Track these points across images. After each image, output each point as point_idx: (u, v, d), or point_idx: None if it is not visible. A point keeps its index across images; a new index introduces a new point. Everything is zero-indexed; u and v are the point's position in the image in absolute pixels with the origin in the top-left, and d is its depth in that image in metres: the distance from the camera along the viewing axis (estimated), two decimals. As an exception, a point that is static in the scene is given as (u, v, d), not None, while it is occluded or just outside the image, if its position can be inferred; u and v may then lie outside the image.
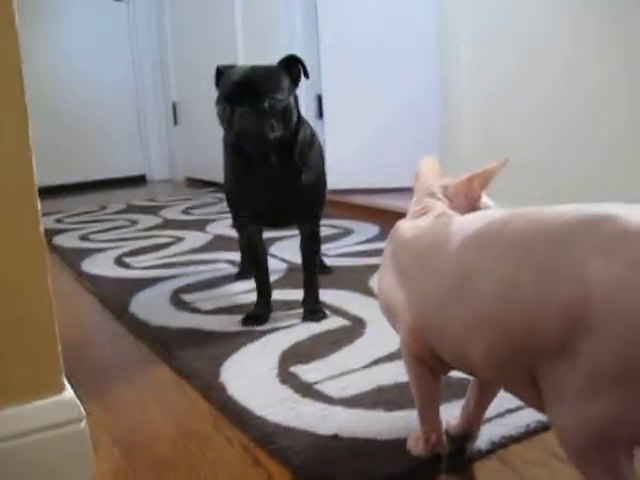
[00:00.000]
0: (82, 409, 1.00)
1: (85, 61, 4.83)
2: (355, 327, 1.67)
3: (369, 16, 3.31)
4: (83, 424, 0.99)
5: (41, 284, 0.94)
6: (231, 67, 1.71)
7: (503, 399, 1.18)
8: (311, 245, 1.80)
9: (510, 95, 2.35)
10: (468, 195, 1.09)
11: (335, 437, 1.15)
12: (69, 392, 1.00)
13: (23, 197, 0.93)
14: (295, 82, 1.69)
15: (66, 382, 1.01)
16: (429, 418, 1.06)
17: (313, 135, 1.78)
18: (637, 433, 0.71)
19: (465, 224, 0.89)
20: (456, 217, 0.97)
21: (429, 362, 1.00)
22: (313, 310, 1.74)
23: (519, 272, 0.76)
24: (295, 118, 1.67)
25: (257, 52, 3.89)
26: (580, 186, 2.09)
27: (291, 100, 1.65)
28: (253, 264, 1.81)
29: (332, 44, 3.42)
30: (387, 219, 2.89)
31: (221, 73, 1.71)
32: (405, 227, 1.05)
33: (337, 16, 3.41)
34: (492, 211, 0.90)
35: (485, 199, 1.10)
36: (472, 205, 1.09)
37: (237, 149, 1.70)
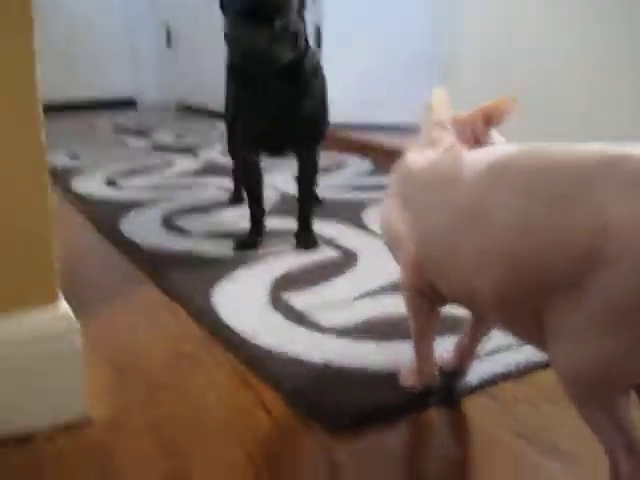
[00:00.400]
0: (76, 321, 0.99)
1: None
2: (347, 259, 1.66)
3: None
4: (78, 337, 0.99)
5: (40, 197, 0.93)
6: None
7: (495, 336, 1.20)
8: (308, 174, 1.78)
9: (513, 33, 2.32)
10: (473, 131, 1.07)
11: (326, 366, 1.15)
12: (64, 304, 0.99)
13: (26, 108, 0.90)
14: (303, 4, 1.64)
15: (60, 294, 1.00)
16: (424, 351, 1.06)
17: (318, 62, 1.73)
18: (638, 375, 0.72)
19: (478, 156, 0.88)
20: (467, 151, 0.96)
21: (428, 294, 1.00)
22: (306, 239, 1.74)
23: (535, 205, 0.74)
24: (303, 43, 1.63)
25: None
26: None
27: (301, 24, 1.61)
28: (248, 188, 1.79)
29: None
30: (380, 155, 2.88)
31: None
32: (413, 158, 1.04)
33: None
34: (506, 146, 0.88)
35: (496, 136, 1.08)
36: (478, 141, 1.07)
37: (239, 70, 1.65)
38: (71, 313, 0.98)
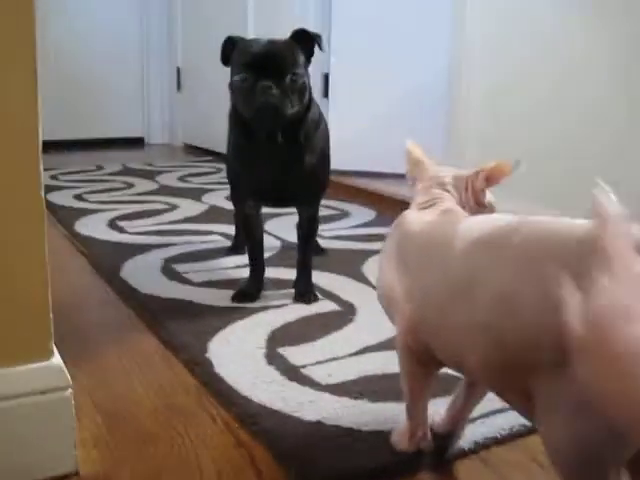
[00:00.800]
0: (68, 376, 1.00)
1: (92, 17, 4.77)
2: (345, 313, 1.66)
3: (381, 6, 3.26)
4: (69, 392, 0.99)
5: (37, 249, 0.93)
6: (244, 39, 1.67)
7: (489, 400, 1.19)
8: (309, 228, 1.79)
9: (517, 88, 2.34)
10: (472, 189, 1.08)
11: (319, 424, 1.15)
12: (57, 358, 0.99)
13: (27, 160, 0.91)
14: (308, 58, 1.66)
15: (54, 348, 1.00)
16: (417, 413, 1.06)
17: (320, 115, 1.75)
18: (628, 452, 0.71)
19: (473, 226, 0.88)
20: (464, 216, 0.96)
21: (422, 357, 0.99)
22: (305, 292, 1.74)
23: (520, 286, 0.75)
24: (307, 96, 1.65)
25: (268, 25, 3.85)
26: (582, 178, 2.08)
27: (306, 77, 1.63)
28: (249, 240, 1.80)
29: (344, 23, 3.38)
30: (385, 205, 2.89)
31: (232, 43, 1.66)
32: (411, 218, 1.04)
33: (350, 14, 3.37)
34: (501, 216, 0.89)
35: (488, 196, 1.09)
36: (477, 200, 1.08)
37: (243, 123, 1.67)
38: (64, 368, 0.98)
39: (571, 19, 2.13)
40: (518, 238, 0.79)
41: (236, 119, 1.70)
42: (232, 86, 1.62)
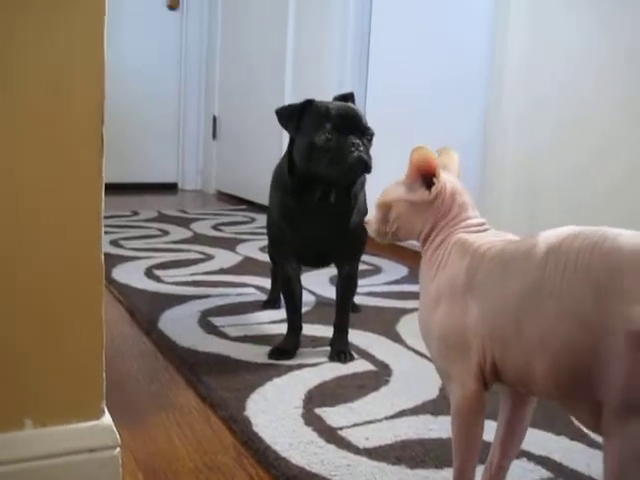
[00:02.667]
0: (118, 435, 1.02)
1: (134, 65, 4.90)
2: (381, 373, 1.67)
3: (416, 74, 3.30)
4: (117, 451, 1.01)
5: (95, 312, 0.97)
6: (318, 102, 1.68)
7: (526, 471, 1.20)
8: (349, 286, 1.81)
9: (551, 154, 2.36)
10: None
11: (358, 490, 1.16)
12: (107, 418, 1.02)
13: (90, 224, 0.95)
14: None
15: (105, 408, 1.02)
16: (467, 475, 1.05)
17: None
18: None
19: (548, 237, 0.90)
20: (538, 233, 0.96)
21: (489, 379, 0.99)
22: (341, 351, 1.75)
23: (586, 296, 0.81)
24: None
25: (306, 76, 3.93)
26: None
27: None
28: (288, 300, 1.83)
29: (380, 86, 3.43)
30: (417, 260, 2.89)
31: (304, 107, 1.68)
32: (480, 242, 1.02)
33: (387, 64, 3.42)
34: (567, 229, 0.90)
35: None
36: None
37: (295, 183, 1.70)
38: (114, 428, 1.01)
39: (606, 94, 2.16)
40: (584, 253, 0.84)
41: (287, 180, 1.72)
42: (311, 145, 1.62)
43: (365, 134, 1.63)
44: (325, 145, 1.60)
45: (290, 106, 1.73)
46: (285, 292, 1.86)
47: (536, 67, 2.42)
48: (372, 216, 1.16)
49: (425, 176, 1.08)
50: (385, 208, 1.13)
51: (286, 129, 1.72)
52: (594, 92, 2.21)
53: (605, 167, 2.18)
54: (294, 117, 1.67)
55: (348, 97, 1.78)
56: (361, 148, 1.60)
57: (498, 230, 1.09)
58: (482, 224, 1.08)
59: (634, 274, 0.77)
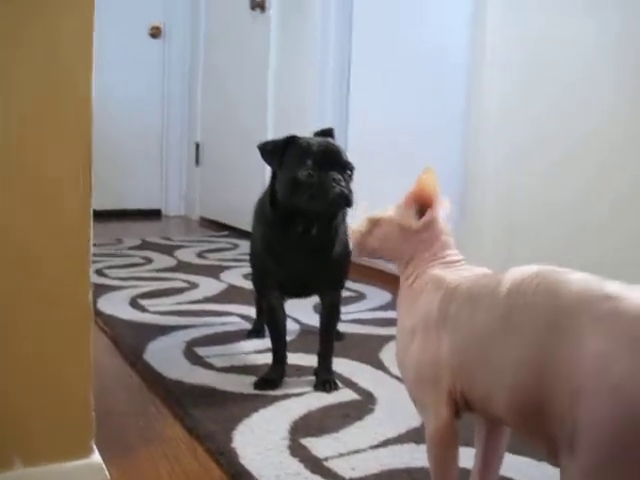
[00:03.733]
0: (107, 473, 1.04)
1: (117, 93, 4.91)
2: (365, 402, 1.69)
3: (397, 107, 3.34)
4: (107, 488, 1.03)
5: (84, 355, 0.99)
6: (299, 137, 1.71)
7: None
8: (332, 315, 1.84)
9: (533, 152, 2.39)
10: None
11: (344, 521, 1.18)
12: (96, 456, 1.03)
13: (79, 268, 0.97)
14: None
15: (94, 446, 1.04)
16: None
17: None
18: None
19: (510, 276, 0.94)
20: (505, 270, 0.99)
21: (459, 403, 1.02)
22: (326, 380, 1.77)
23: (534, 338, 0.85)
24: None
25: (288, 104, 3.97)
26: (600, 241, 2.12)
27: None
28: (272, 330, 1.85)
29: (361, 104, 3.47)
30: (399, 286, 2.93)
31: (288, 142, 1.71)
32: (454, 278, 1.05)
33: (368, 95, 3.46)
34: (530, 267, 0.94)
35: None
36: None
37: (278, 217, 1.73)
38: (103, 466, 1.03)
39: (596, 89, 2.19)
40: (533, 292, 0.88)
41: (270, 213, 1.75)
42: (293, 180, 1.65)
43: (346, 169, 1.67)
44: (307, 181, 1.63)
45: (273, 142, 1.76)
46: (269, 322, 1.89)
47: (516, 111, 2.46)
48: (358, 226, 1.19)
49: (422, 205, 1.12)
50: (374, 223, 1.17)
51: (269, 164, 1.75)
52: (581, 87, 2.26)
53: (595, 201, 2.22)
54: (277, 153, 1.70)
55: (327, 132, 1.82)
56: (342, 183, 1.64)
57: (476, 265, 1.13)
58: (459, 261, 1.11)
59: (575, 321, 0.80)
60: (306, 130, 1.85)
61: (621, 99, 2.09)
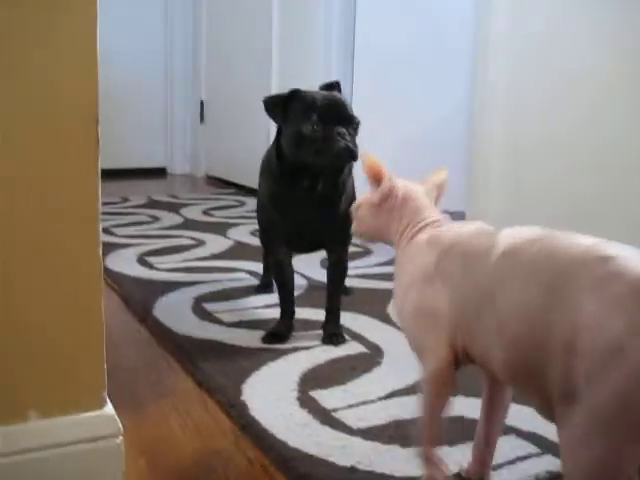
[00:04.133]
0: (120, 424, 1.06)
1: (119, 50, 4.85)
2: (373, 355, 1.71)
3: (402, 59, 3.32)
4: (119, 439, 1.05)
5: (94, 308, 1.00)
6: (303, 91, 1.71)
7: (514, 447, 1.25)
8: (339, 272, 1.85)
9: (542, 150, 2.38)
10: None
11: (353, 469, 1.20)
12: (109, 407, 1.05)
13: (87, 224, 0.98)
14: None
15: (107, 398, 1.06)
16: (434, 457, 1.11)
17: None
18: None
19: (504, 238, 0.97)
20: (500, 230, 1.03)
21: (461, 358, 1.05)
22: (333, 334, 1.79)
23: (531, 297, 0.87)
24: None
25: (292, 60, 3.93)
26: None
27: None
28: (280, 286, 1.86)
29: (366, 53, 3.44)
30: (406, 241, 2.93)
31: (289, 97, 1.70)
32: (449, 235, 1.09)
33: (373, 25, 3.42)
34: (529, 229, 0.97)
35: None
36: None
37: (286, 171, 1.73)
38: (116, 417, 1.05)
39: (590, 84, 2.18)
40: (532, 252, 0.91)
41: (276, 168, 1.75)
42: (298, 135, 1.65)
43: (351, 123, 1.66)
44: (312, 135, 1.63)
45: (276, 96, 1.76)
46: (277, 277, 1.90)
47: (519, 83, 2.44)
48: (353, 216, 1.27)
49: (378, 181, 1.19)
50: (356, 209, 1.24)
51: (273, 119, 1.74)
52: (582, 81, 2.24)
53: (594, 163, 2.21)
54: (280, 107, 1.70)
55: (334, 86, 1.81)
56: (347, 137, 1.63)
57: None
58: (437, 221, 1.15)
59: (577, 284, 0.82)
60: (311, 85, 1.84)
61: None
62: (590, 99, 2.19)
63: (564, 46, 2.28)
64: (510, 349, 0.90)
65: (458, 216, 3.02)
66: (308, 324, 1.90)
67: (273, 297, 2.08)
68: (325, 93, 1.72)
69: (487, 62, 2.54)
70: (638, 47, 2.01)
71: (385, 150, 3.38)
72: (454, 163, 3.17)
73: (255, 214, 2.11)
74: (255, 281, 2.31)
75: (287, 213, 1.77)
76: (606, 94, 2.14)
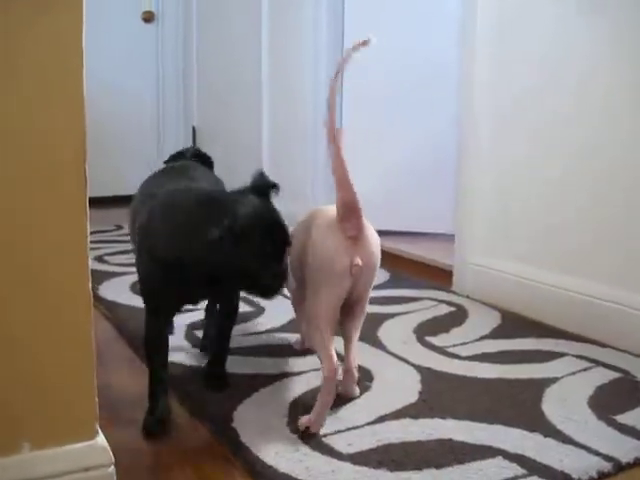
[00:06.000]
0: (111, 454, 1.08)
1: (111, 79, 4.91)
2: (362, 379, 1.73)
3: (392, 55, 3.37)
4: (111, 468, 1.07)
5: (86, 341, 1.02)
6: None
7: (501, 469, 1.27)
8: (231, 319, 1.77)
9: (526, 168, 2.40)
10: None
11: (342, 494, 1.22)
12: (101, 438, 1.08)
13: (77, 259, 1.01)
14: None
15: (99, 428, 1.08)
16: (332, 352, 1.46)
17: None
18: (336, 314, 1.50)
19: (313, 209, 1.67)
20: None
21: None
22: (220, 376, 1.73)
23: (303, 237, 1.55)
24: None
25: (282, 86, 3.99)
26: (594, 250, 2.16)
27: None
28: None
29: (354, 79, 3.48)
30: (398, 264, 2.97)
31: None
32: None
33: (361, 51, 3.47)
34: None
35: None
36: None
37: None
38: (107, 447, 1.07)
39: (584, 110, 2.20)
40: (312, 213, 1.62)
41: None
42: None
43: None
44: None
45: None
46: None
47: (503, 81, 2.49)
48: None
49: None
50: None
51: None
52: (575, 103, 2.27)
53: (579, 179, 2.24)
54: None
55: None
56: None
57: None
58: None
59: (312, 224, 1.52)
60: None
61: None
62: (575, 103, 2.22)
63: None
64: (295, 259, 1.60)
65: (447, 238, 3.06)
66: (298, 350, 1.93)
67: (268, 322, 2.11)
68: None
69: (473, 85, 2.59)
70: (628, 87, 2.04)
71: (373, 176, 3.44)
72: (443, 186, 3.25)
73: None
74: (247, 307, 2.33)
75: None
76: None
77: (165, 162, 2.01)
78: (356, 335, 1.63)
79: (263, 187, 1.51)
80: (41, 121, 0.99)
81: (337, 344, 1.52)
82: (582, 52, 2.17)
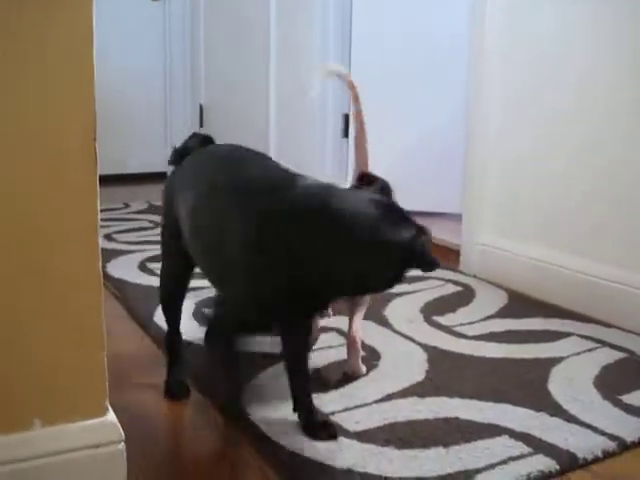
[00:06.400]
0: (121, 430, 1.09)
1: (118, 57, 4.90)
2: (370, 358, 1.74)
3: (401, 38, 3.37)
4: (122, 445, 1.08)
5: (96, 319, 1.03)
6: None
7: (507, 447, 1.28)
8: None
9: (535, 156, 2.40)
10: None
11: (349, 472, 1.23)
12: (111, 415, 1.09)
13: (87, 234, 1.02)
14: None
15: (109, 405, 1.09)
16: None
17: None
18: None
19: None
20: None
21: None
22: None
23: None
24: None
25: (289, 69, 3.97)
26: (599, 242, 2.16)
27: None
28: None
29: (363, 62, 3.47)
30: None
31: None
32: None
33: (370, 34, 3.47)
34: None
35: None
36: None
37: None
38: (117, 424, 1.08)
39: (589, 101, 2.19)
40: None
41: None
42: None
43: None
44: None
45: None
46: None
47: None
48: None
49: None
50: None
51: None
52: (579, 94, 2.26)
53: (587, 168, 2.23)
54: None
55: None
56: None
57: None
58: None
59: None
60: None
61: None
62: (580, 97, 2.22)
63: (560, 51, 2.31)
64: None
65: (455, 218, 3.06)
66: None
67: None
68: None
69: (482, 70, 2.57)
70: (632, 85, 2.03)
71: (384, 158, 3.43)
72: (452, 168, 3.25)
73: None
74: (255, 286, 2.34)
75: None
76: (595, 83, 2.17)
77: (171, 162, 1.82)
78: (359, 310, 1.65)
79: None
80: (51, 101, 0.99)
81: (342, 324, 1.53)
82: (584, 51, 2.16)
